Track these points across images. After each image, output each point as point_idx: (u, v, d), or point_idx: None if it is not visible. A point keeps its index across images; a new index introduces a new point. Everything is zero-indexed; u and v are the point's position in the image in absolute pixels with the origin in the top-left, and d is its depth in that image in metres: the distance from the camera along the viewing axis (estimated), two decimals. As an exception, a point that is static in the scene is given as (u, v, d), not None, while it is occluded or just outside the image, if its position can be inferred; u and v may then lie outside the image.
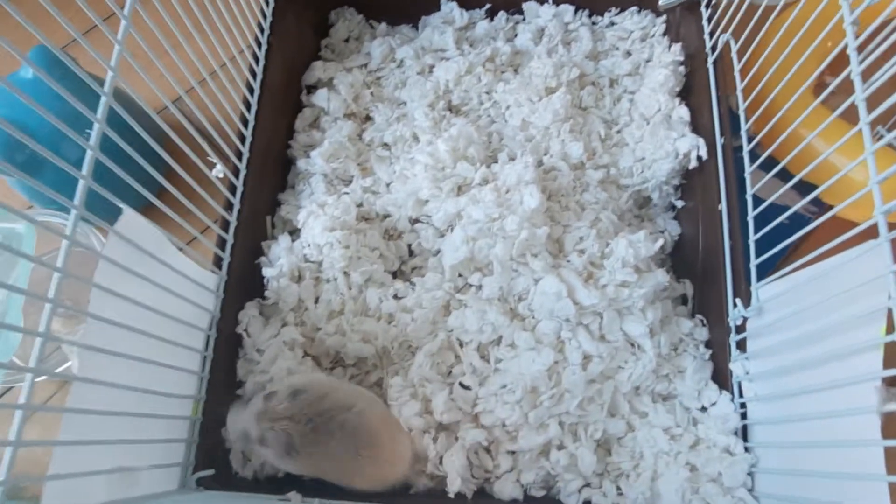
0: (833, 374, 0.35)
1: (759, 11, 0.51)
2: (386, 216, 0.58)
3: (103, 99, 0.35)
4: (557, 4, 0.69)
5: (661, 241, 0.51)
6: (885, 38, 0.38)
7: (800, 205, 0.42)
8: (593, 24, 0.70)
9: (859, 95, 0.34)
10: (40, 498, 0.30)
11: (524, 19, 0.71)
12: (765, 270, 0.50)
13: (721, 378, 0.49)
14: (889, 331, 0.31)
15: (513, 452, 0.47)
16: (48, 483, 0.31)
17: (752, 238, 0.48)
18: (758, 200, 0.49)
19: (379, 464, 0.43)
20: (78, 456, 0.33)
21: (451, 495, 0.43)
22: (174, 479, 0.44)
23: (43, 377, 0.30)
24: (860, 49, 0.36)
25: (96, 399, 0.34)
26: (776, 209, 0.48)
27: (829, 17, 0.43)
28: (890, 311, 0.31)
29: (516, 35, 0.70)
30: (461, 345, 0.49)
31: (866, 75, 0.35)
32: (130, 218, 0.37)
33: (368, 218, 0.58)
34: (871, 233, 0.34)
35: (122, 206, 0.36)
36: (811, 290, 0.38)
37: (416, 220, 0.57)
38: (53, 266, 0.31)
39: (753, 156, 0.50)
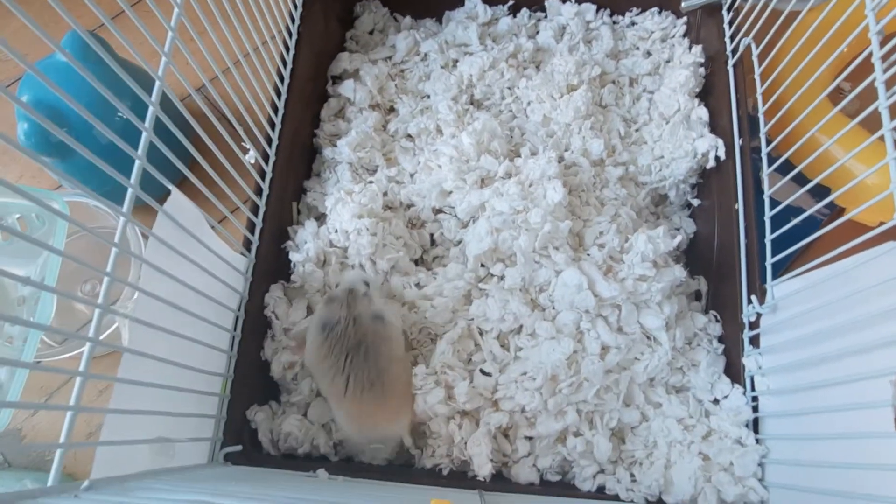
0: (849, 370, 0.36)
1: (782, 17, 0.52)
2: (410, 205, 0.59)
3: (157, 84, 0.36)
4: (579, 3, 0.70)
5: (679, 238, 0.52)
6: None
7: (817, 207, 0.44)
8: (614, 23, 0.71)
9: (882, 103, 0.35)
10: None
11: (546, 16, 0.72)
12: (776, 269, 0.52)
13: (733, 372, 0.51)
14: (906, 329, 0.32)
15: (530, 438, 0.48)
16: (99, 449, 0.32)
17: (769, 237, 0.49)
18: (774, 204, 0.51)
19: (382, 409, 0.45)
20: (126, 424, 0.34)
21: (481, 478, 0.45)
22: (204, 453, 0.46)
23: (102, 348, 0.31)
24: (884, 58, 0.37)
25: (143, 371, 0.36)
26: (788, 209, 0.49)
27: (851, 23, 0.45)
28: (907, 310, 0.32)
29: (538, 32, 0.71)
30: (481, 333, 0.51)
31: (889, 83, 0.37)
32: (177, 198, 0.38)
33: (392, 207, 0.59)
34: (887, 234, 0.36)
35: (170, 186, 0.38)
36: (828, 288, 0.40)
37: (440, 211, 0.59)
38: (112, 242, 0.32)
39: (771, 158, 0.52)
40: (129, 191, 0.34)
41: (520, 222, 0.50)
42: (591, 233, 0.54)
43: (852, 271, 0.37)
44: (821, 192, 0.66)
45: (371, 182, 0.58)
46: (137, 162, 0.35)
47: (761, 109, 0.53)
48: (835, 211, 0.67)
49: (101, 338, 0.59)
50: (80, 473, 0.60)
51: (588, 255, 0.52)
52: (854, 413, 0.36)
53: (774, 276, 0.50)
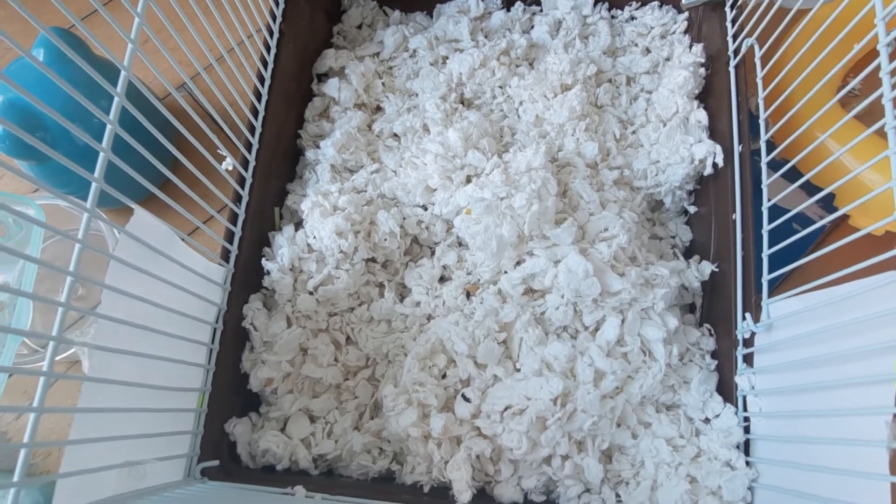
0: (842, 402, 0.35)
1: (790, 16, 0.49)
2: (393, 198, 0.57)
3: (123, 73, 0.34)
4: (577, -4, 0.67)
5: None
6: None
7: (803, 204, 0.41)
8: (612, 17, 0.68)
9: (890, 123, 0.33)
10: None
11: (542, 10, 0.69)
12: (776, 278, 0.50)
13: (726, 389, 0.49)
14: (903, 366, 0.30)
15: (515, 461, 0.47)
16: (61, 479, 0.31)
17: (766, 252, 0.47)
18: (776, 209, 0.48)
19: None
20: (89, 452, 0.33)
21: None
22: (179, 469, 0.45)
23: (64, 345, 0.30)
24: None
25: (106, 396, 0.35)
26: (791, 218, 0.47)
27: (862, 25, 0.42)
28: (904, 346, 0.30)
29: (533, 27, 0.68)
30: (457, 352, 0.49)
31: None
32: (141, 217, 0.37)
33: (371, 201, 0.56)
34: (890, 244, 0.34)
35: (133, 205, 0.36)
36: (825, 313, 0.38)
37: (423, 206, 0.57)
38: (75, 238, 0.31)
39: (775, 165, 0.49)
40: (94, 185, 0.32)
41: (503, 208, 0.48)
42: (594, 227, 0.51)
43: (851, 298, 0.35)
44: (826, 199, 0.63)
45: (350, 181, 0.56)
46: (101, 155, 0.33)
47: (763, 115, 0.51)
48: (839, 218, 0.65)
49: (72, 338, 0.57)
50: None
51: (595, 248, 0.50)
52: (846, 448, 0.34)
53: (772, 289, 0.48)
